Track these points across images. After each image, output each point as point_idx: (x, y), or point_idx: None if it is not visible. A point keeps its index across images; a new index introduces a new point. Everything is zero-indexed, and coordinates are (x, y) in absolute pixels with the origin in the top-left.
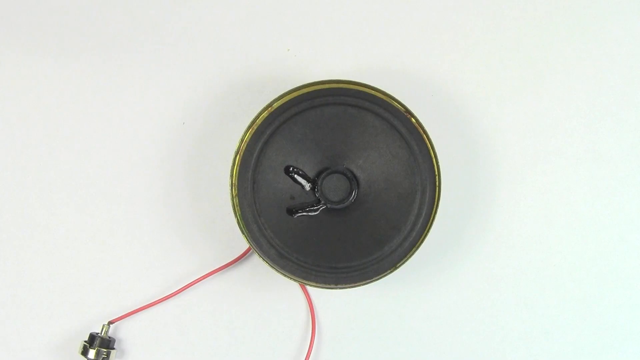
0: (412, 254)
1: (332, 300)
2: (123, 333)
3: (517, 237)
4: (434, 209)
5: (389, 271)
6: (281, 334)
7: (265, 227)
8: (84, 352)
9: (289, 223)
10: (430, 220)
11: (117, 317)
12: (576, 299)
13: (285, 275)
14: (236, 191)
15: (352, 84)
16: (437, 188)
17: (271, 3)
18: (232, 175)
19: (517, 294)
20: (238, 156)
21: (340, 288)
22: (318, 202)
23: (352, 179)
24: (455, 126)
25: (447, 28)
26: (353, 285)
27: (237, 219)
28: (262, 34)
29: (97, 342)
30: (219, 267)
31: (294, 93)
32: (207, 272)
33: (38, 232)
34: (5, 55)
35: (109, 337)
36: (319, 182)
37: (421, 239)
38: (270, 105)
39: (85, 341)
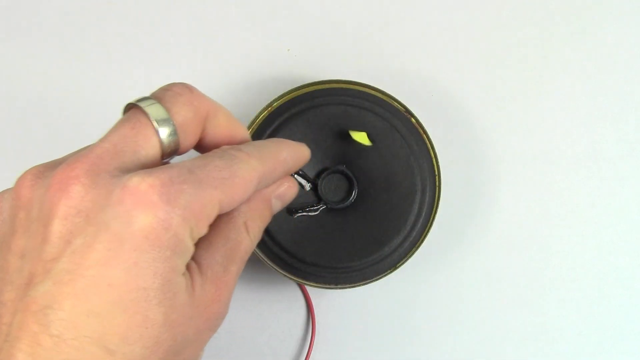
0: (412, 254)
1: (332, 300)
2: None
3: (517, 237)
4: (434, 209)
5: (389, 271)
6: (281, 334)
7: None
8: None
9: (289, 223)
10: (430, 220)
11: None
12: (576, 299)
13: (285, 275)
14: None
15: (352, 84)
16: (437, 188)
17: (271, 3)
18: None
19: (517, 294)
20: None
21: (340, 288)
22: (318, 202)
23: (352, 179)
24: (455, 126)
25: (447, 28)
26: (353, 285)
27: None
28: (262, 34)
29: None
30: None
31: (294, 93)
32: None
33: None
34: (5, 54)
35: None
36: (319, 182)
37: (421, 239)
38: (270, 105)
39: None
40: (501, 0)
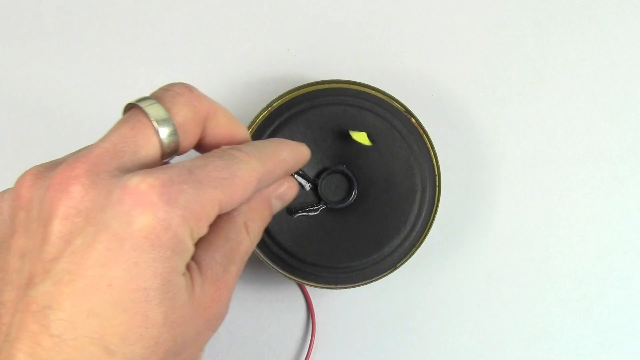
0: (412, 254)
1: (332, 300)
2: None
3: (517, 237)
4: (434, 209)
5: (389, 271)
6: (281, 334)
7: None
8: None
9: (289, 223)
10: (430, 220)
11: None
12: (576, 299)
13: (285, 275)
14: None
15: (352, 84)
16: (437, 188)
17: (271, 3)
18: None
19: (517, 294)
20: None
21: (340, 288)
22: (318, 202)
23: (352, 179)
24: (455, 126)
25: (447, 28)
26: (353, 285)
27: None
28: (262, 34)
29: None
30: None
31: (294, 93)
32: None
33: None
34: (6, 54)
35: None
36: (319, 182)
37: (421, 239)
38: (270, 105)
39: None
40: (501, 0)
